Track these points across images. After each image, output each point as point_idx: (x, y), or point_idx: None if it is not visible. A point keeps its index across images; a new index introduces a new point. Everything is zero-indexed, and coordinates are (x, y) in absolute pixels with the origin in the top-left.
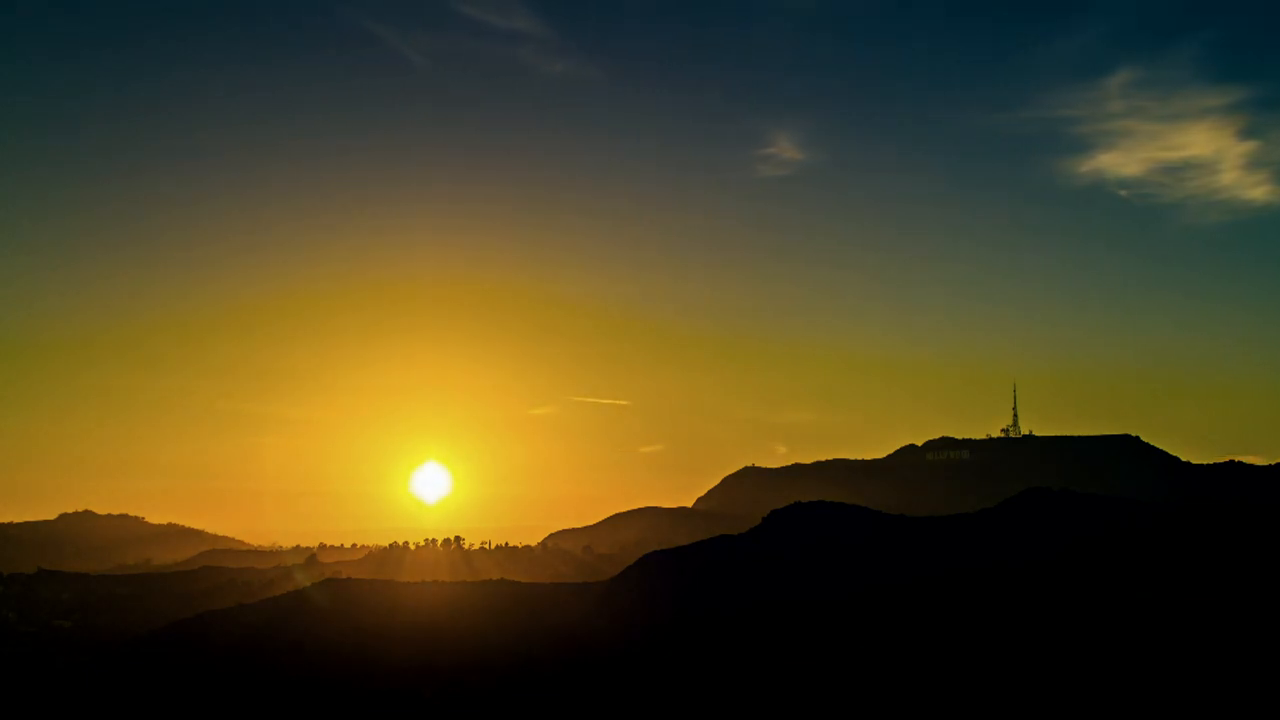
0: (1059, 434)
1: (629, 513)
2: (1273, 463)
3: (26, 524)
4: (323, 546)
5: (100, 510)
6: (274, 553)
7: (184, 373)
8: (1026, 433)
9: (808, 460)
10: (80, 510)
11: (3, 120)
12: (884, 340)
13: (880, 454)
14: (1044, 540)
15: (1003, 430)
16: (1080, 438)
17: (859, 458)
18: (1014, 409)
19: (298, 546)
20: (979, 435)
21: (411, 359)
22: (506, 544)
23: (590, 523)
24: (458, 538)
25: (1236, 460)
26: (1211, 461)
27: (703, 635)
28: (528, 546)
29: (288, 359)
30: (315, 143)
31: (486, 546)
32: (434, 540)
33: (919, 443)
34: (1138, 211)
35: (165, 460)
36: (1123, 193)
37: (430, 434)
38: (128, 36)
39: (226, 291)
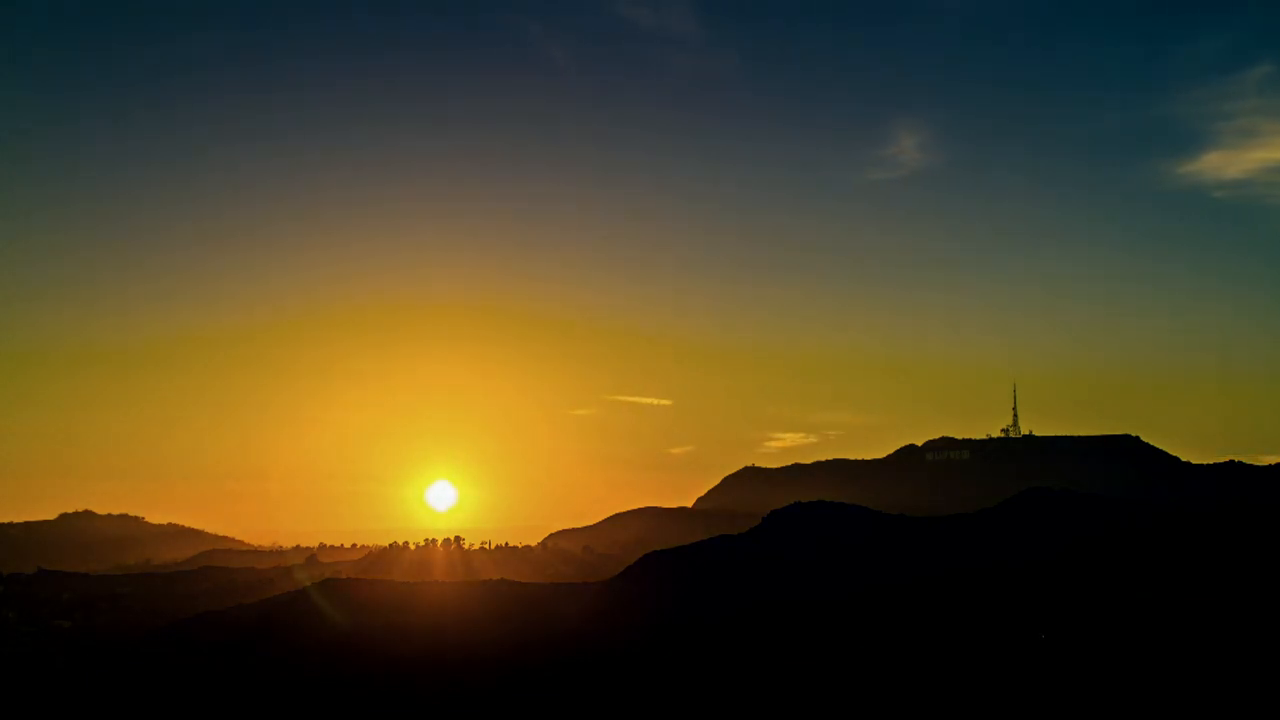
0: (1059, 434)
1: (629, 513)
2: (1273, 463)
3: (26, 524)
4: (323, 546)
5: (100, 510)
6: (274, 553)
7: (185, 373)
8: (1026, 433)
9: (808, 460)
10: (80, 510)
11: (22, 116)
12: (885, 340)
13: (880, 454)
14: (1044, 540)
15: (1003, 430)
16: (1080, 438)
17: (859, 458)
18: (1014, 409)
19: (298, 546)
20: (979, 435)
21: (440, 363)
22: (506, 544)
23: (590, 523)
24: (458, 538)
25: (1236, 460)
26: (1211, 461)
27: (703, 635)
28: (528, 546)
29: (294, 361)
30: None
31: (486, 546)
32: (434, 540)
33: (919, 443)
34: (1221, 212)
35: (165, 460)
36: (1218, 194)
37: (444, 437)
38: (227, 26)
39: (237, 292)
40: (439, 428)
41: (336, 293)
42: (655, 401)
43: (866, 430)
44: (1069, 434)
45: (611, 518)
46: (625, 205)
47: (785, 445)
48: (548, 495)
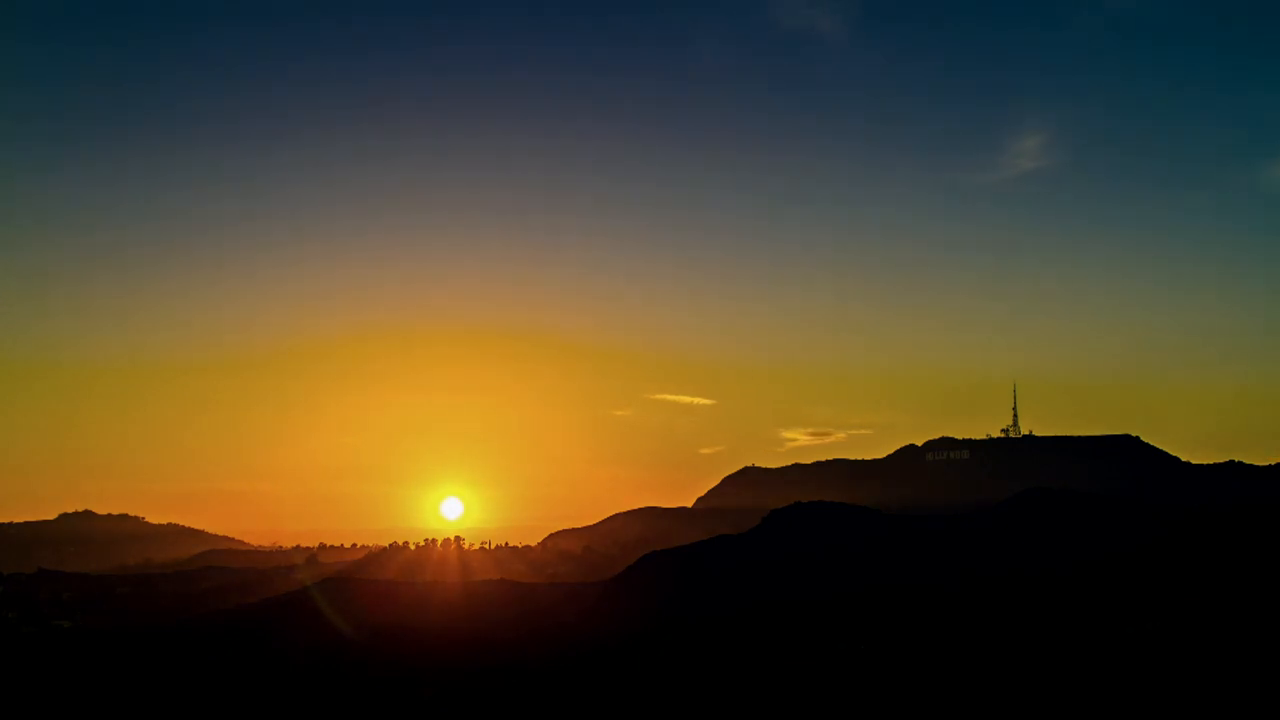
0: (1059, 434)
1: (629, 513)
2: (1273, 463)
3: (26, 524)
4: (322, 546)
5: (100, 510)
6: (274, 553)
7: (187, 372)
8: (1026, 433)
9: (808, 460)
10: (80, 510)
11: (20, 116)
12: (884, 341)
13: (880, 454)
14: (1044, 540)
15: (1003, 430)
16: (1080, 438)
17: (859, 458)
18: (1014, 409)
19: (298, 546)
20: (979, 435)
21: (471, 365)
22: (506, 544)
23: (590, 523)
24: (458, 538)
25: (1236, 460)
26: (1211, 461)
27: (702, 635)
28: (528, 546)
29: (302, 362)
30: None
31: (486, 546)
32: (434, 540)
33: (919, 443)
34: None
35: (166, 460)
36: None
37: (470, 440)
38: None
39: (244, 295)
40: (466, 431)
41: (359, 304)
42: (696, 400)
43: (889, 430)
44: (1069, 434)
45: (611, 518)
46: (719, 207)
47: (806, 444)
48: (562, 495)
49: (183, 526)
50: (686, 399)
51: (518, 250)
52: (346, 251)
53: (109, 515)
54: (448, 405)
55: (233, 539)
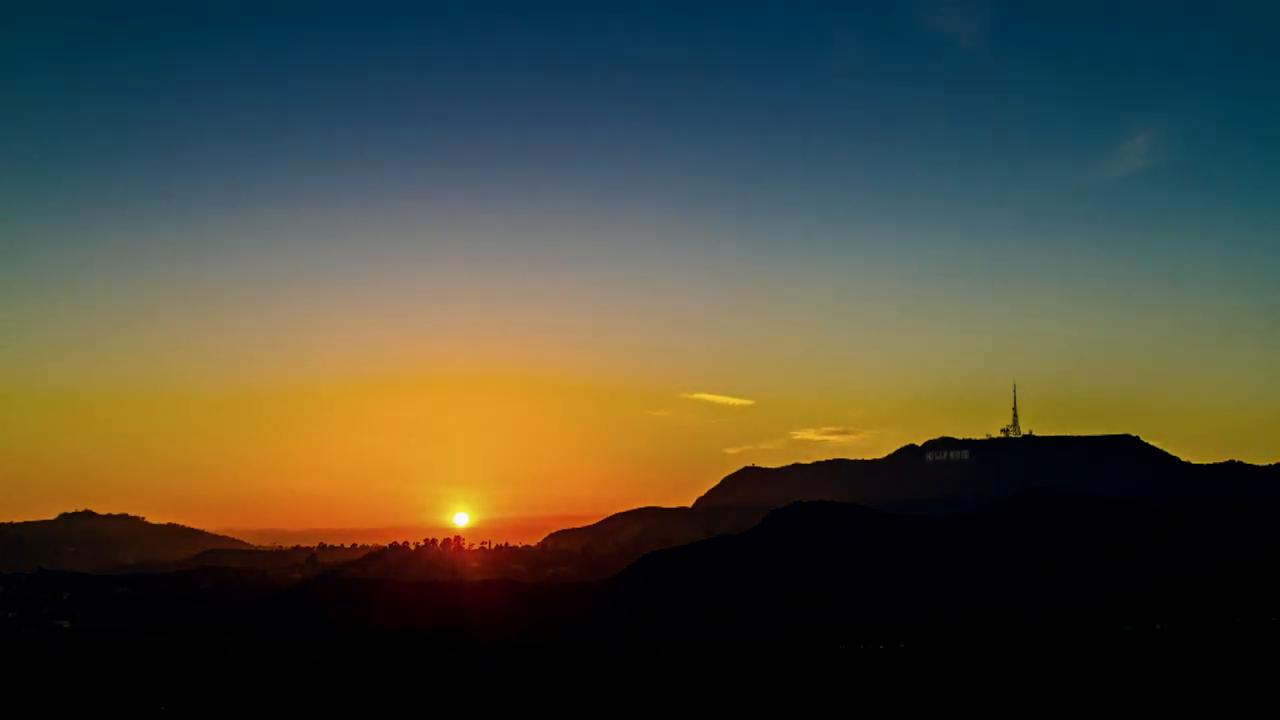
0: (1059, 434)
1: (629, 513)
2: (1273, 463)
3: (26, 524)
4: (323, 546)
5: (100, 510)
6: (274, 553)
7: (186, 371)
8: (1026, 433)
9: (808, 460)
10: (80, 510)
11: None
12: (884, 342)
13: (880, 454)
14: (1044, 540)
15: (1003, 430)
16: (1080, 438)
17: (859, 458)
18: (1014, 409)
19: (298, 546)
20: (979, 435)
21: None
22: (506, 544)
23: (590, 523)
24: (458, 537)
25: (1236, 460)
26: (1211, 461)
27: (702, 634)
28: (528, 546)
29: (296, 355)
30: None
31: (486, 546)
32: (434, 540)
33: (919, 443)
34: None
35: (165, 460)
36: None
37: (454, 438)
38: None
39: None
40: (467, 431)
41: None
42: (733, 401)
43: (889, 430)
44: (1069, 434)
45: (611, 518)
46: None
47: (837, 443)
48: (567, 495)
49: (183, 526)
50: (724, 399)
51: (582, 258)
52: (363, 265)
53: (109, 515)
54: (448, 405)
55: (233, 539)
